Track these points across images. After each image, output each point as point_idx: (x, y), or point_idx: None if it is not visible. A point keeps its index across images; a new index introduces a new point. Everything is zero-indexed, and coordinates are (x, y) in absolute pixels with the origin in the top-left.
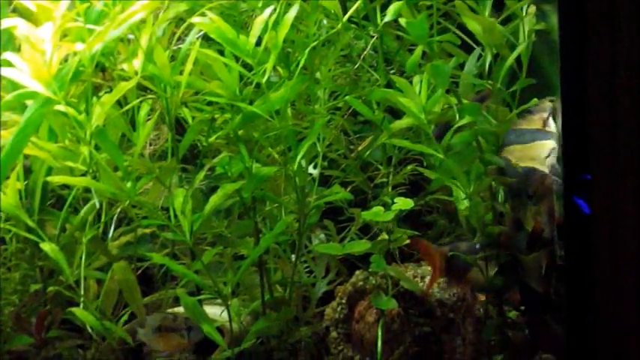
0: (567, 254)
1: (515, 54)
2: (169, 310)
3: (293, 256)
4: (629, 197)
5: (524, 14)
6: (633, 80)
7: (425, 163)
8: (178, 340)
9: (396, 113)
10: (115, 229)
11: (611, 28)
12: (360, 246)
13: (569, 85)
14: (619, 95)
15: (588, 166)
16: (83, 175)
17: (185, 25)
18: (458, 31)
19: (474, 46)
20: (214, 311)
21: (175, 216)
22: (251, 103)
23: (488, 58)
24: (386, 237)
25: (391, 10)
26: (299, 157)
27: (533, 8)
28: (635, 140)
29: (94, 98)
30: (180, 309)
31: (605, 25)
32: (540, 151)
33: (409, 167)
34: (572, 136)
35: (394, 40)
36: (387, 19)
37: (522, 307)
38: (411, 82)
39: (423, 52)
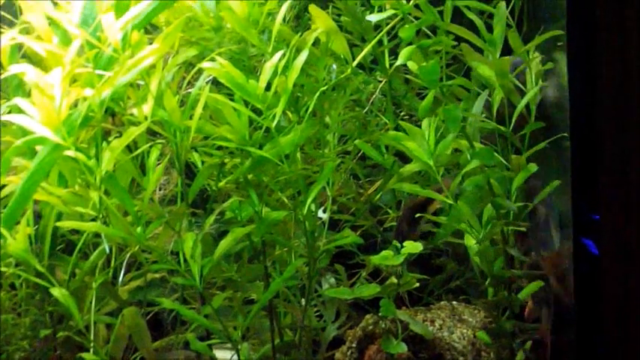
0: (577, 295)
1: (527, 98)
2: None
3: (303, 300)
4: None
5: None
6: None
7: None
8: None
9: (404, 156)
10: (124, 274)
11: (622, 68)
12: (370, 290)
13: (579, 127)
14: (629, 136)
15: (597, 207)
16: (93, 220)
17: (195, 70)
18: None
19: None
20: (224, 355)
21: (185, 260)
22: (260, 147)
23: (497, 101)
24: (395, 281)
25: (403, 54)
26: (309, 201)
27: (538, 55)
28: None
29: (104, 143)
30: None
31: (615, 63)
32: None
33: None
34: (582, 177)
35: (402, 83)
36: (398, 62)
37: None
38: (419, 126)
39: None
